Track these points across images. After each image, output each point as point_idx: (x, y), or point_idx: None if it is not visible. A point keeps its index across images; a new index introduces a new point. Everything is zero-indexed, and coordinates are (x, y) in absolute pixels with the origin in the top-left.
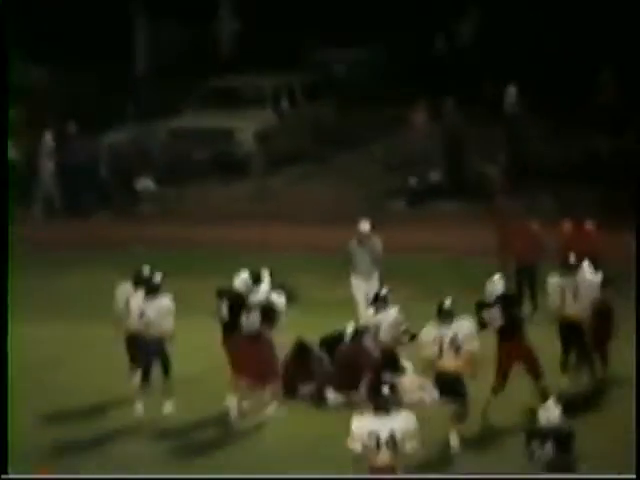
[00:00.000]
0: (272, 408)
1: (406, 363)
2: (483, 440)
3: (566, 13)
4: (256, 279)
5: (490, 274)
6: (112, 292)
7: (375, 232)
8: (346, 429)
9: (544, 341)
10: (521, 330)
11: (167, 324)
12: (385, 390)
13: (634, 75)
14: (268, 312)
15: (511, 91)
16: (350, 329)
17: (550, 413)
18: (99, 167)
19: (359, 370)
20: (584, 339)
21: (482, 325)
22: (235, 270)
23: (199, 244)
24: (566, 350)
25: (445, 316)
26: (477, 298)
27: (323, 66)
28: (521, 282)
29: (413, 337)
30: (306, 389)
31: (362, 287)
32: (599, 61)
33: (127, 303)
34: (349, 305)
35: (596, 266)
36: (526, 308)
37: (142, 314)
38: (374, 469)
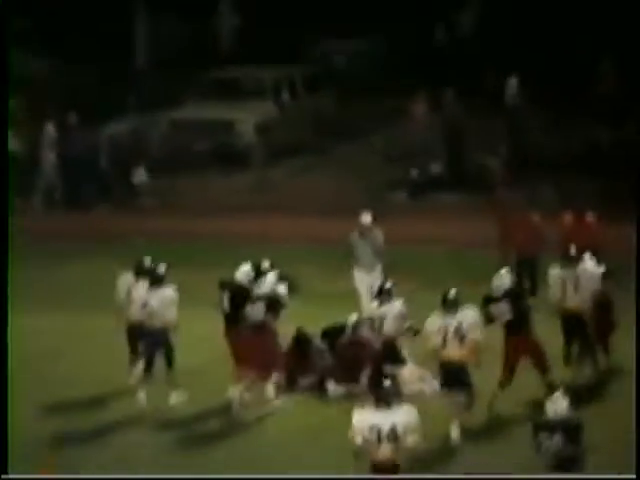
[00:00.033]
0: (278, 399)
1: (407, 354)
2: (489, 431)
3: (566, 3)
4: (258, 271)
5: (491, 266)
6: (112, 283)
7: (376, 224)
8: (347, 421)
9: (545, 333)
10: (528, 324)
11: (170, 314)
12: (386, 383)
13: (634, 66)
14: (273, 303)
15: (512, 82)
16: (352, 321)
17: (558, 405)
18: (99, 159)
19: (360, 362)
20: (586, 331)
21: (489, 320)
22: (236, 262)
23: (199, 236)
24: (568, 342)
25: (450, 306)
26: (478, 290)
27: (323, 58)
28: (522, 274)
29: (416, 333)
30: (306, 381)
31: (365, 280)
32: (599, 52)
33: (128, 293)
34: (350, 296)
35: (597, 258)
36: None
37: (145, 304)
38: (376, 463)
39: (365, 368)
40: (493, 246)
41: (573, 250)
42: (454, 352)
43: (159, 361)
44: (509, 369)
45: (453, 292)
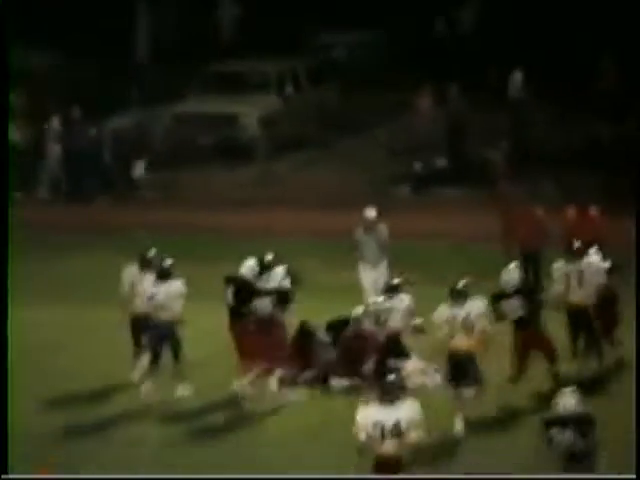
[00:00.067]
0: (292, 392)
1: (412, 348)
2: (495, 424)
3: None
4: (263, 265)
5: (494, 260)
6: (114, 276)
7: (381, 219)
8: (350, 414)
9: (549, 328)
10: (538, 319)
11: (178, 307)
12: (391, 377)
13: (635, 62)
14: (282, 296)
15: (517, 77)
16: (356, 314)
17: (568, 400)
18: (103, 152)
19: (363, 355)
20: (592, 325)
21: (500, 317)
22: (239, 255)
23: (203, 229)
24: (575, 337)
25: (458, 296)
26: (481, 284)
27: (324, 49)
28: (526, 269)
29: (422, 331)
30: (309, 374)
31: (370, 275)
32: (600, 48)
33: (133, 285)
34: (353, 290)
35: (601, 252)
36: None
37: (152, 297)
38: (379, 458)
39: (368, 361)
40: (496, 240)
41: (577, 244)
42: (462, 342)
43: (165, 354)
44: (520, 364)
45: (462, 283)
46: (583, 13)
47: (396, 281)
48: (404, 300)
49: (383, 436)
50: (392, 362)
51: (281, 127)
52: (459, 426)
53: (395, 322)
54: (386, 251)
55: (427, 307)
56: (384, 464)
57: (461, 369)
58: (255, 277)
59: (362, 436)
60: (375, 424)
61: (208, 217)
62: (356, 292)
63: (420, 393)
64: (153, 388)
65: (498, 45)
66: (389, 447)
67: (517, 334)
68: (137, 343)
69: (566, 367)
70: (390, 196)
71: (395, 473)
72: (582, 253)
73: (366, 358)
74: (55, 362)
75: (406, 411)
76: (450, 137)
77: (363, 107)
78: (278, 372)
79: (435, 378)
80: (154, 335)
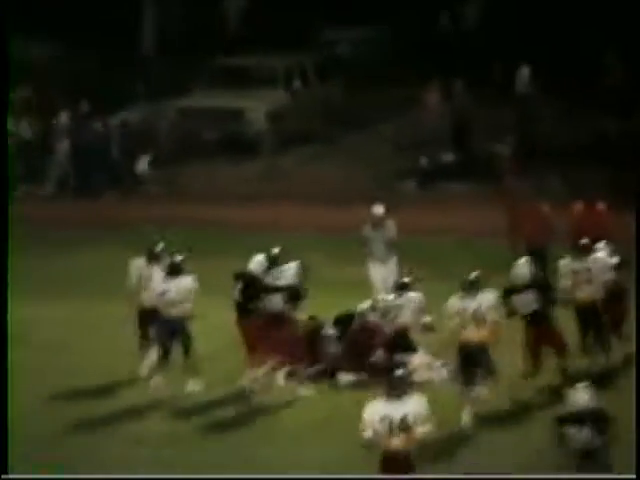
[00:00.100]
0: (298, 387)
1: (418, 342)
2: (507, 419)
3: None
4: (272, 260)
5: (501, 255)
6: (122, 271)
7: (389, 215)
8: (357, 409)
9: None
10: (551, 314)
11: (189, 303)
12: (399, 372)
13: None
14: (294, 293)
15: (524, 72)
16: (362, 308)
17: (581, 395)
18: (110, 147)
19: (370, 349)
20: (601, 321)
21: (510, 312)
22: (244, 249)
23: (209, 224)
24: (585, 333)
25: (470, 288)
26: (488, 279)
27: (331, 46)
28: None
29: (430, 330)
30: (315, 368)
31: (379, 271)
32: (607, 43)
33: (140, 278)
34: (360, 285)
35: (609, 247)
36: None
37: (163, 293)
38: (387, 453)
39: (375, 355)
40: (502, 235)
41: (584, 241)
42: (473, 334)
43: (175, 349)
44: (534, 360)
45: (474, 274)
46: (590, 8)
47: (406, 279)
48: (414, 298)
49: (391, 431)
50: (399, 356)
51: (287, 122)
52: (467, 419)
53: (405, 318)
54: (394, 248)
55: (433, 302)
56: (391, 459)
57: (473, 360)
58: (264, 272)
59: (369, 431)
60: (382, 419)
61: (213, 212)
62: (362, 287)
63: (427, 388)
64: (163, 383)
65: (503, 40)
66: (397, 442)
67: (529, 330)
68: (144, 336)
69: (575, 363)
70: (396, 191)
71: (403, 468)
72: (589, 250)
73: (373, 352)
74: (62, 358)
75: (413, 406)
76: (456, 132)
77: (369, 102)
78: (286, 367)
79: (441, 373)
80: (164, 330)
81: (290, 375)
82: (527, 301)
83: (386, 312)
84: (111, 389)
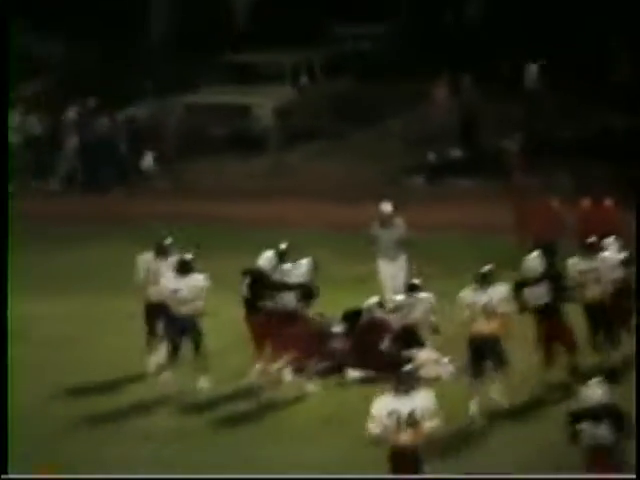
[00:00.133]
0: (306, 383)
1: (426, 338)
2: (518, 415)
3: None
4: (280, 257)
5: (509, 251)
6: (130, 266)
7: (397, 213)
8: (365, 404)
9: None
10: (560, 309)
11: (200, 301)
12: (407, 367)
13: None
14: (307, 292)
15: (532, 68)
16: (368, 304)
17: (594, 390)
18: (118, 143)
19: (377, 344)
20: (609, 318)
21: (522, 306)
22: (251, 245)
23: (215, 220)
24: (595, 331)
25: (482, 281)
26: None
27: (339, 42)
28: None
29: (436, 332)
30: (323, 364)
31: (388, 269)
32: (614, 39)
33: (148, 272)
34: (367, 281)
35: (618, 244)
36: None
37: (175, 291)
38: (395, 448)
39: (384, 352)
40: (510, 231)
41: (591, 239)
42: (484, 327)
43: (185, 346)
44: (546, 356)
45: (487, 268)
46: (598, 4)
47: (417, 281)
48: (426, 299)
49: (398, 426)
50: (406, 352)
51: (295, 118)
52: (474, 409)
53: (415, 316)
54: (404, 245)
55: (441, 298)
56: (399, 454)
57: (483, 352)
58: (272, 269)
59: (377, 427)
60: (390, 414)
61: (220, 208)
62: (370, 284)
63: (434, 383)
64: (172, 379)
65: (511, 36)
66: (405, 437)
67: (540, 324)
68: (151, 332)
69: (586, 360)
70: (404, 187)
71: (411, 463)
72: (597, 248)
73: (380, 347)
74: (66, 355)
75: (421, 401)
76: (464, 128)
77: (376, 98)
78: (299, 363)
79: (448, 369)
80: (174, 327)
81: (298, 371)
82: (539, 294)
83: (396, 311)
84: (117, 385)
